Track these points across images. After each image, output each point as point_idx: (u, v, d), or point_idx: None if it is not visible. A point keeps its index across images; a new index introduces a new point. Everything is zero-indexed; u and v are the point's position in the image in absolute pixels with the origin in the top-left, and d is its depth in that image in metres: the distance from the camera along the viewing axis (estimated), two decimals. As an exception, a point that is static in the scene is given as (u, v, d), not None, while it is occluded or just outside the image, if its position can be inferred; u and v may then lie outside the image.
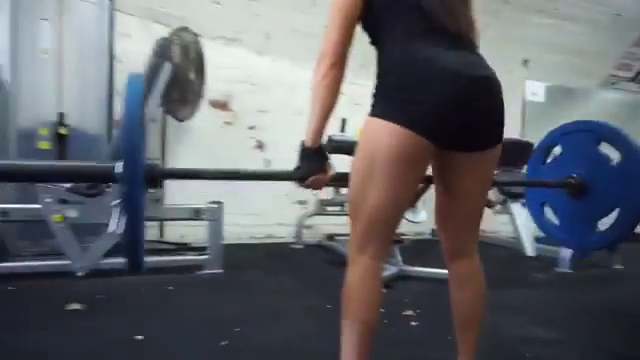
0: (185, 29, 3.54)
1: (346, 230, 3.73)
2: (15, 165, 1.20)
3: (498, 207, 4.32)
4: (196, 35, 3.56)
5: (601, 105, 5.92)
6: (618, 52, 5.67)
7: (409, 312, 2.21)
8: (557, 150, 1.99)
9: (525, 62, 5.31)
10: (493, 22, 4.84)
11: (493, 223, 5.06)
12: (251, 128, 4.42)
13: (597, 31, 5.23)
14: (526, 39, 5.09)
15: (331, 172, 1.28)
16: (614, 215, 1.68)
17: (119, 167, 1.09)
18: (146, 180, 1.10)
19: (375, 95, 1.17)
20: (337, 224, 4.14)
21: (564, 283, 3.10)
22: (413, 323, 2.09)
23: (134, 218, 1.03)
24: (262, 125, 4.44)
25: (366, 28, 1.24)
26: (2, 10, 2.84)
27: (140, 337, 1.79)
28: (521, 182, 2.10)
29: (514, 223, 4.14)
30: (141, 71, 3.62)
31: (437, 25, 1.14)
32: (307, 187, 1.31)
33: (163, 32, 3.71)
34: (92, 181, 1.18)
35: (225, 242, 3.00)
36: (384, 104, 1.13)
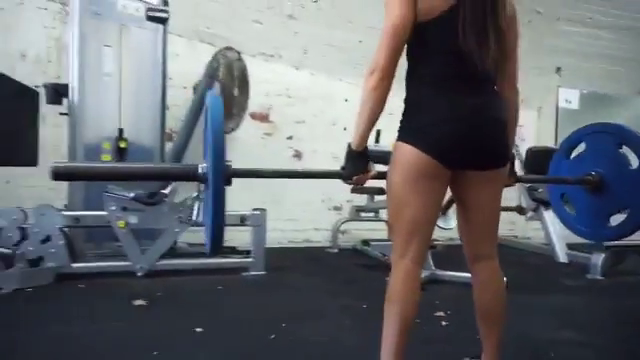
0: (230, 48, 3.82)
1: (379, 235, 3.96)
2: (119, 167, 1.46)
3: (530, 214, 4.38)
4: (239, 53, 3.84)
5: (637, 111, 5.86)
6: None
7: (440, 313, 2.37)
8: (581, 147, 2.11)
9: (558, 70, 5.35)
10: (525, 32, 4.91)
11: (526, 230, 5.13)
12: (289, 138, 4.67)
13: (632, 38, 5.22)
14: (559, 48, 5.14)
15: (372, 172, 1.46)
16: (624, 214, 1.80)
17: (202, 168, 1.33)
18: (224, 177, 1.32)
19: (402, 122, 1.38)
20: (370, 229, 4.33)
21: (594, 289, 3.17)
22: (443, 323, 2.26)
23: (217, 207, 1.25)
24: (299, 135, 4.69)
25: (407, 50, 1.40)
26: (71, 39, 3.20)
27: (200, 329, 2.04)
28: (544, 179, 2.22)
29: (546, 230, 4.20)
30: (189, 87, 3.95)
31: (465, 70, 1.32)
32: (352, 184, 1.50)
33: (208, 51, 4.02)
34: (180, 179, 1.39)
35: (266, 246, 3.24)
36: (409, 132, 1.34)
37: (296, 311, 2.37)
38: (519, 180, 1.78)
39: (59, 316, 2.19)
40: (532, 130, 5.62)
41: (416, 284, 1.40)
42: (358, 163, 1.42)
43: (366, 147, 1.41)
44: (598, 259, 3.46)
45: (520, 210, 4.57)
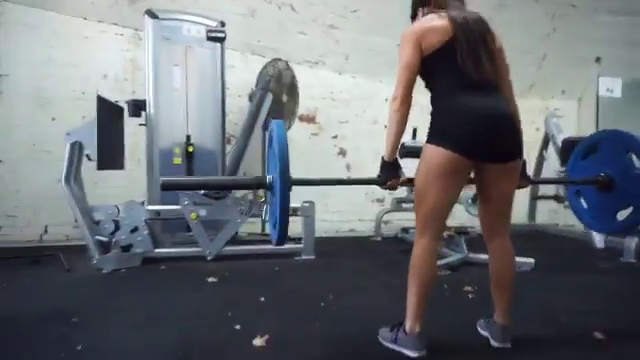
0: (278, 59, 4.28)
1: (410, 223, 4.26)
2: (209, 180, 1.91)
3: (567, 202, 4.53)
4: (287, 62, 4.29)
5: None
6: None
7: (468, 288, 2.70)
8: (596, 150, 2.35)
9: (597, 59, 5.40)
10: (560, 25, 5.05)
11: (567, 218, 5.24)
12: (334, 137, 5.08)
13: (674, 23, 5.17)
14: (598, 38, 5.19)
15: (403, 178, 1.85)
16: (629, 210, 2.06)
17: (269, 178, 1.74)
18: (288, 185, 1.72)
19: (431, 128, 1.73)
20: (410, 219, 4.64)
21: (625, 271, 3.35)
22: (470, 296, 2.59)
23: (283, 208, 1.64)
24: (343, 134, 5.09)
25: (423, 77, 1.80)
26: (146, 61, 3.76)
27: (262, 299, 2.50)
28: (558, 180, 2.48)
29: (583, 217, 4.34)
30: (244, 95, 4.44)
31: (471, 81, 1.68)
32: (386, 189, 1.90)
33: (260, 61, 4.51)
34: (251, 188, 1.77)
35: (316, 235, 3.66)
36: (437, 136, 1.70)
37: (342, 287, 2.77)
38: (532, 182, 2.09)
39: (150, 289, 2.72)
40: (573, 120, 5.70)
41: (433, 256, 1.77)
42: (390, 172, 1.83)
43: (396, 158, 1.82)
44: (631, 243, 3.62)
45: (557, 198, 4.73)
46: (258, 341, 1.88)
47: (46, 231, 4.40)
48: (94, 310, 2.32)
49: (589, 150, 2.35)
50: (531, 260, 3.25)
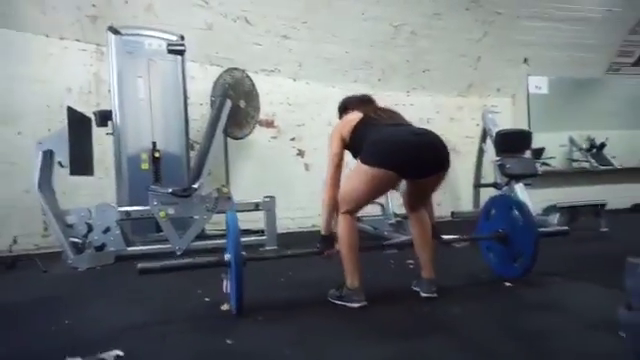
0: (235, 68, 4.62)
1: (368, 211, 4.59)
2: (181, 263, 2.26)
3: (505, 188, 5.06)
4: (244, 71, 4.64)
5: (606, 90, 6.49)
6: (616, 42, 6.24)
7: (410, 261, 3.10)
8: (493, 212, 2.78)
9: (525, 60, 6.03)
10: (491, 30, 5.63)
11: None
12: (292, 139, 5.45)
13: (590, 27, 5.86)
14: (524, 41, 5.82)
15: (336, 248, 2.26)
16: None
17: (227, 257, 2.09)
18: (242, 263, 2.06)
19: (362, 153, 2.14)
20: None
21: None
22: (411, 267, 3.00)
23: (239, 282, 2.01)
24: (300, 136, 5.47)
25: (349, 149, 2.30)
26: (111, 74, 4.03)
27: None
28: (469, 238, 2.86)
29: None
30: (205, 103, 4.74)
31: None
32: (324, 258, 2.33)
33: (218, 72, 4.83)
34: (216, 266, 2.11)
35: (279, 232, 3.99)
36: (367, 157, 2.11)
37: (299, 266, 3.12)
38: (442, 242, 2.52)
39: (125, 280, 2.99)
40: (508, 115, 6.29)
41: (353, 227, 2.21)
42: (326, 244, 2.30)
43: (331, 232, 2.27)
44: (554, 218, 4.15)
45: (495, 185, 5.26)
46: (225, 306, 2.20)
47: (15, 241, 4.53)
48: (76, 296, 2.58)
49: (489, 212, 2.77)
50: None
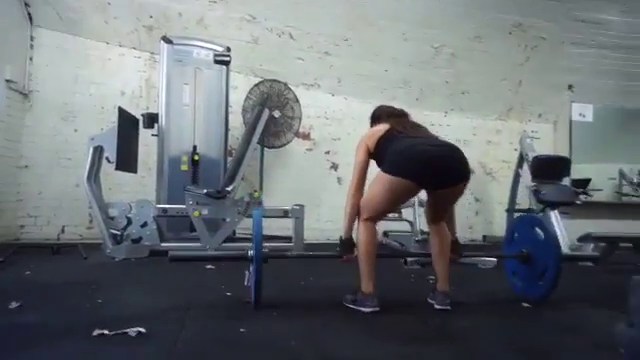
0: (276, 80, 4.82)
1: (396, 227, 4.82)
2: (208, 254, 2.39)
3: (540, 214, 4.95)
4: (285, 84, 4.83)
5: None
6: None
7: (431, 277, 3.11)
8: (516, 235, 2.77)
9: (570, 87, 5.91)
10: (533, 55, 5.58)
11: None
12: (327, 153, 5.58)
13: (638, 55, 5.70)
14: (569, 67, 5.72)
15: (356, 253, 2.32)
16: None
17: (250, 253, 2.20)
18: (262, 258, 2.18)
19: (384, 163, 2.24)
20: (389, 226, 5.07)
21: (585, 272, 3.75)
22: (431, 282, 3.00)
23: (257, 278, 2.14)
24: (335, 150, 5.59)
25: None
26: (160, 80, 4.31)
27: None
28: (494, 255, 2.84)
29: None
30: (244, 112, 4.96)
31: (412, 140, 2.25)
32: (344, 262, 2.40)
33: (260, 83, 5.04)
34: (238, 260, 2.26)
35: (307, 242, 4.08)
36: (387, 166, 2.20)
37: (321, 272, 3.21)
38: (462, 255, 2.54)
39: (157, 272, 3.17)
40: (549, 142, 6.17)
41: (373, 231, 2.28)
42: (347, 247, 2.38)
43: (351, 236, 2.36)
44: (588, 247, 4.02)
45: (529, 211, 5.14)
46: (246, 299, 2.31)
47: (63, 231, 4.88)
48: (110, 282, 2.78)
49: (512, 234, 2.78)
50: (494, 259, 3.66)
